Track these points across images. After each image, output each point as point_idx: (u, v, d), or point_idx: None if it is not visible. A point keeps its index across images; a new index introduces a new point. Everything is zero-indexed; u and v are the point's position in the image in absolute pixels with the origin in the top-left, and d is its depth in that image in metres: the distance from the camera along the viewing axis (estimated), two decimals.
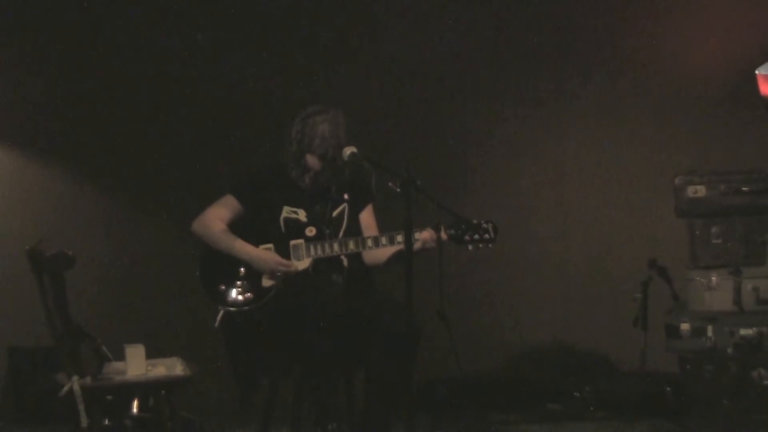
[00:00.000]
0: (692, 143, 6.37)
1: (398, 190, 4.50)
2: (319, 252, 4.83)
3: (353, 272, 4.91)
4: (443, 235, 4.70)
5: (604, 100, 6.46)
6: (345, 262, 4.89)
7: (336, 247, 4.83)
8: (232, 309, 4.84)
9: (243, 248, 4.83)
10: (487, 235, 4.78)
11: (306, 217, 4.91)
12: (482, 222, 4.77)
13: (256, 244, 4.87)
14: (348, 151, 4.77)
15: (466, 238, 4.76)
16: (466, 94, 6.40)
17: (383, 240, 4.80)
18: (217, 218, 4.88)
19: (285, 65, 6.20)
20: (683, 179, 6.01)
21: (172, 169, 6.13)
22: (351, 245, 4.83)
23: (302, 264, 4.85)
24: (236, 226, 4.90)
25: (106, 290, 5.99)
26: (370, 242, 4.83)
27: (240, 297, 4.85)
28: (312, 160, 4.86)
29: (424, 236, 4.71)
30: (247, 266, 4.85)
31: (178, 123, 6.15)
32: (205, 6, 6.17)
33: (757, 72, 6.03)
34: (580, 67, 6.44)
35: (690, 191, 5.99)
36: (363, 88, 6.17)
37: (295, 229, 4.89)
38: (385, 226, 5.00)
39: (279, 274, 4.81)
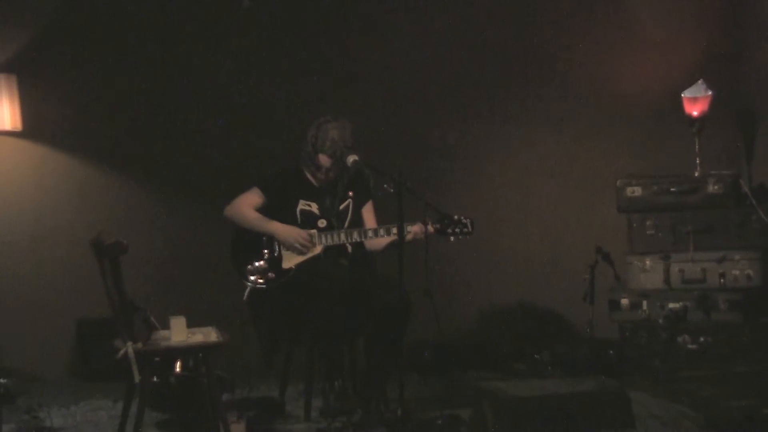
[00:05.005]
0: (631, 152, 6.37)
1: (392, 190, 4.52)
2: (329, 240, 4.84)
3: (356, 257, 4.92)
4: (430, 229, 4.71)
5: (559, 117, 6.45)
6: (350, 248, 4.90)
7: (343, 236, 4.84)
8: (257, 286, 4.84)
9: (275, 225, 4.84)
10: (466, 229, 4.79)
11: (318, 210, 4.91)
12: (462, 218, 4.78)
13: None
14: (351, 158, 4.78)
15: (449, 231, 4.76)
16: (449, 111, 6.39)
17: (381, 231, 4.82)
18: (246, 205, 4.89)
19: (299, 85, 6.18)
20: (623, 181, 6.01)
21: (207, 168, 6.11)
22: (355, 235, 4.84)
23: (315, 250, 4.85)
24: None
25: (155, 271, 5.98)
26: (370, 233, 4.84)
27: (264, 276, 4.85)
28: (323, 159, 4.88)
29: (414, 229, 4.72)
30: (270, 250, 4.84)
31: (211, 130, 6.12)
32: (236, 29, 6.14)
33: (682, 95, 6.04)
34: (540, 89, 6.43)
35: (629, 191, 5.99)
36: (364, 106, 6.15)
37: (309, 220, 4.89)
38: (382, 219, 5.00)
39: (299, 246, 4.80)
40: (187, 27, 6.07)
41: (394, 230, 4.68)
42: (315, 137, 4.89)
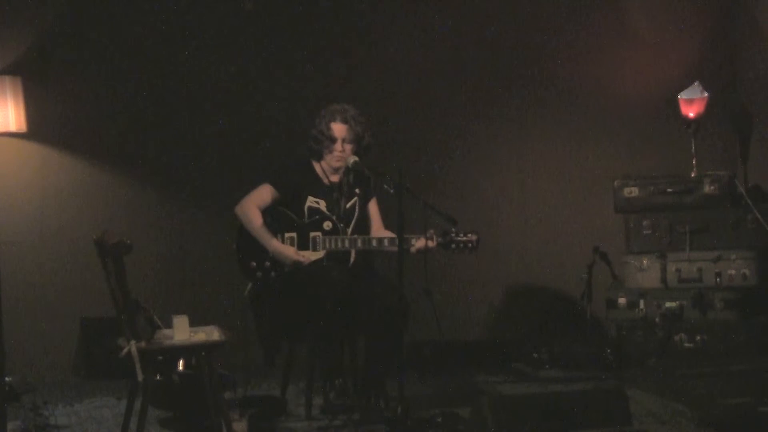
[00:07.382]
0: (628, 153, 6.37)
1: (392, 191, 4.51)
2: (333, 246, 4.80)
3: (358, 261, 4.90)
4: (431, 243, 4.69)
5: (557, 118, 6.45)
6: (353, 254, 4.87)
7: (347, 243, 4.81)
8: (258, 282, 4.83)
9: (274, 243, 4.80)
10: (470, 244, 4.76)
11: (326, 207, 4.88)
12: (469, 234, 4.74)
13: (282, 230, 4.86)
14: (351, 159, 4.77)
15: (453, 246, 4.74)
16: (448, 111, 6.38)
17: (386, 242, 4.78)
18: (255, 205, 4.85)
19: (299, 85, 6.17)
20: (620, 182, 6.01)
21: (210, 169, 6.10)
22: (359, 243, 4.81)
23: (317, 254, 4.83)
24: (267, 213, 4.88)
25: (158, 271, 5.97)
26: (375, 242, 4.82)
27: (266, 274, 4.84)
28: (337, 128, 4.86)
29: (419, 244, 4.71)
30: None
31: (213, 130, 6.11)
32: (238, 30, 6.13)
33: (679, 96, 6.03)
34: (538, 90, 6.42)
35: (626, 192, 5.99)
36: (363, 106, 6.08)
37: (316, 218, 4.86)
38: (384, 220, 5.00)
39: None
40: (190, 28, 6.07)
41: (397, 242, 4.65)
42: (323, 115, 4.86)
